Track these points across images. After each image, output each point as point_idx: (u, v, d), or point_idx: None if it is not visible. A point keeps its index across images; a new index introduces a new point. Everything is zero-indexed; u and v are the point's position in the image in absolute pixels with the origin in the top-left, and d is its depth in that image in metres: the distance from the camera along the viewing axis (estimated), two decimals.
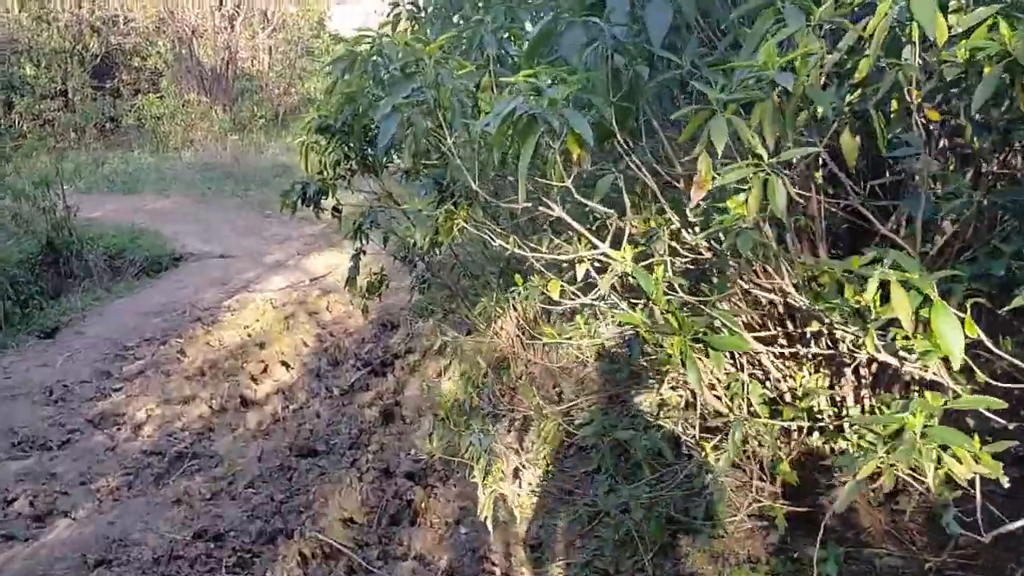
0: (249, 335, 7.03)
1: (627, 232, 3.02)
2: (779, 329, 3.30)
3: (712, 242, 2.77)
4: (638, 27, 2.83)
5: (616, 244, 3.02)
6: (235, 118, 17.35)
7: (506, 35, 3.97)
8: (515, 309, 5.53)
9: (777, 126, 2.30)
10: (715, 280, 3.08)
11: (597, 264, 3.24)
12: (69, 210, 10.27)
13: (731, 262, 2.71)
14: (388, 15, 5.28)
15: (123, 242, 10.17)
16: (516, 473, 4.35)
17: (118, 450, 5.09)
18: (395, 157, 5.24)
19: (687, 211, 2.90)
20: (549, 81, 2.64)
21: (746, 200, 2.36)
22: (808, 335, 3.18)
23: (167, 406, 5.69)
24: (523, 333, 5.62)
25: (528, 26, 4.04)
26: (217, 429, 5.39)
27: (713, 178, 2.34)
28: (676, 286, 2.88)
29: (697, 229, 2.88)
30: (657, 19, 2.75)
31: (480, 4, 4.69)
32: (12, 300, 8.56)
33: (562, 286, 3.44)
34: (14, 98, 17.72)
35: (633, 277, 2.78)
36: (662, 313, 3.00)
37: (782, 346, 3.27)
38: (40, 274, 9.93)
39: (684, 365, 2.86)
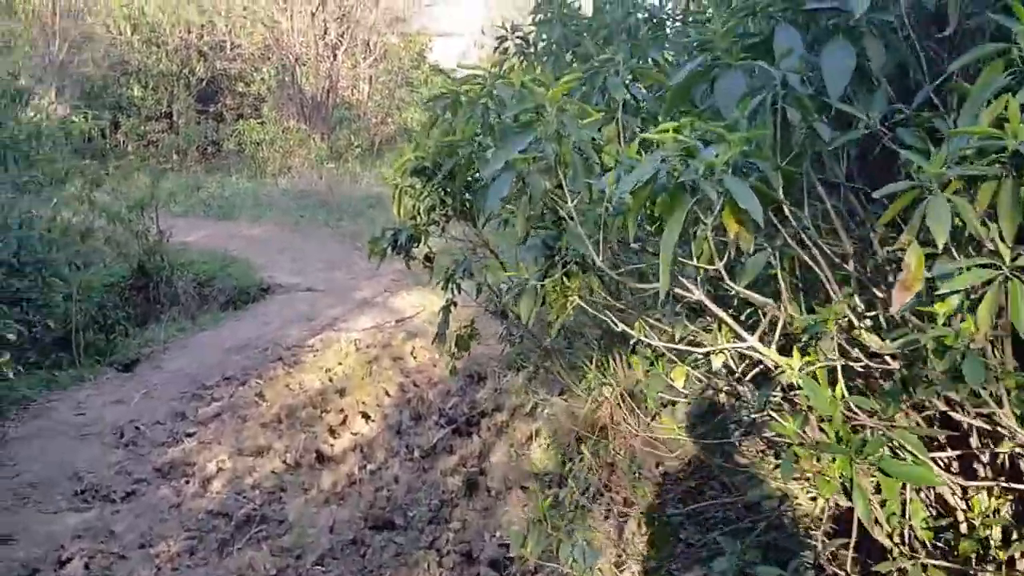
0: (330, 379, 6.64)
1: (780, 325, 2.45)
2: (957, 451, 2.67)
3: (906, 350, 2.16)
4: (810, 73, 2.28)
5: (765, 337, 2.46)
6: (332, 146, 17.28)
7: (630, 77, 3.44)
8: (617, 375, 4.99)
9: (1018, 213, 1.71)
10: (886, 387, 2.48)
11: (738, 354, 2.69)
12: (162, 235, 10.16)
13: (936, 383, 2.09)
14: (496, 50, 4.83)
15: (213, 270, 9.99)
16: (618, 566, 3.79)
17: (183, 508, 4.70)
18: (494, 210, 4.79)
19: (865, 303, 2.32)
20: (702, 139, 2.11)
21: (970, 308, 1.77)
22: (996, 458, 2.56)
23: (239, 458, 5.31)
24: (624, 402, 5.07)
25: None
26: (289, 489, 4.96)
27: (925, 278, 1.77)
28: (846, 397, 2.29)
29: (882, 331, 2.28)
30: (836, 64, 2.19)
31: (602, 40, 4.20)
32: (98, 325, 8.41)
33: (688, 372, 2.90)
34: (121, 118, 18.09)
35: (799, 387, 2.21)
36: (818, 423, 2.43)
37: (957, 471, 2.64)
38: (129, 299, 9.81)
39: (848, 493, 2.28)
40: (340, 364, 6.91)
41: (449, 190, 4.65)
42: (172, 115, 19.26)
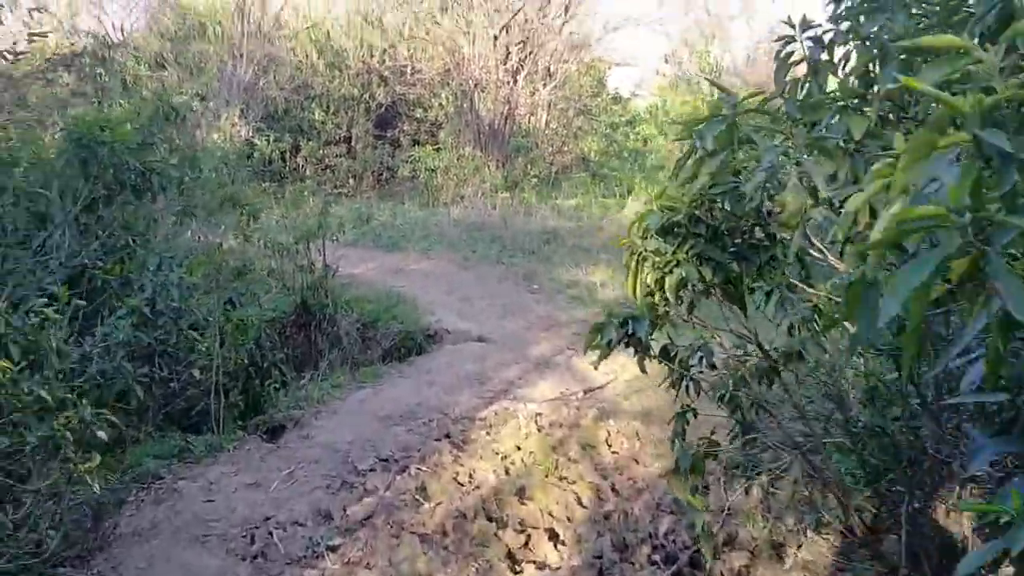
0: (507, 470, 5.23)
1: None
2: None
3: None
4: None
5: None
6: (507, 175, 16.15)
7: None
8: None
9: None
10: None
11: None
12: (328, 270, 9.16)
13: None
14: (778, 57, 3.25)
15: (378, 311, 8.88)
16: None
17: None
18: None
19: None
20: None
21: None
22: None
23: None
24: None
25: None
26: None
27: None
28: None
29: None
30: None
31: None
32: (255, 367, 7.42)
33: None
34: (301, 141, 17.64)
35: None
36: None
37: None
38: (289, 337, 8.84)
39: None
40: (519, 449, 5.50)
41: (710, 257, 3.15)
42: (351, 139, 18.74)
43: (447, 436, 5.66)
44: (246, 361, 7.08)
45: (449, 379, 6.87)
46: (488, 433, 5.75)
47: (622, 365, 6.64)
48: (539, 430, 5.77)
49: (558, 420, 5.93)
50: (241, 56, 17.02)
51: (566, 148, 18.56)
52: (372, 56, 18.79)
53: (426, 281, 10.41)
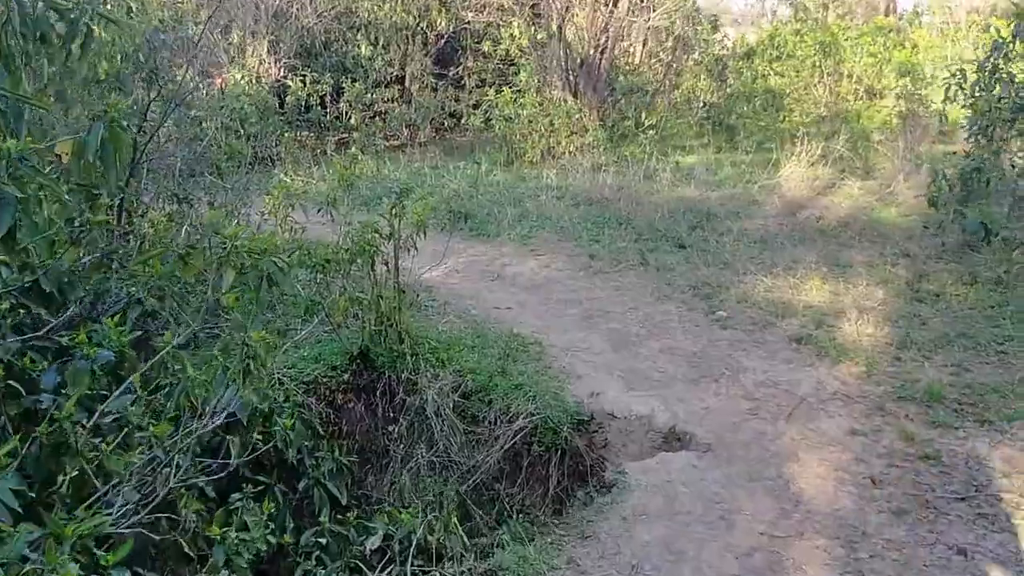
0: None
1: None
2: None
3: None
4: None
5: None
6: (614, 127, 12.28)
7: None
8: None
9: None
10: None
11: None
12: (403, 296, 5.51)
13: None
14: None
15: (485, 371, 5.22)
16: None
17: None
18: None
19: None
20: None
21: None
22: None
23: None
24: None
25: None
26: None
27: None
28: None
29: None
30: None
31: None
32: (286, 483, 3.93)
33: None
34: (344, 83, 13.81)
35: None
36: None
37: None
38: (338, 414, 5.25)
39: None
40: None
41: None
42: (404, 79, 14.89)
43: None
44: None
45: (658, 556, 3.23)
46: None
47: None
48: None
49: None
50: None
51: (675, 90, 14.56)
52: None
53: (542, 298, 6.71)
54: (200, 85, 13.03)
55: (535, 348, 5.61)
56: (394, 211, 5.32)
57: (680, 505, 3.82)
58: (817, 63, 14.03)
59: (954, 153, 6.67)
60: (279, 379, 5.04)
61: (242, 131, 11.00)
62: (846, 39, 14.11)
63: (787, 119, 13.28)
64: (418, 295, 5.86)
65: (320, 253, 5.28)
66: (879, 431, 4.37)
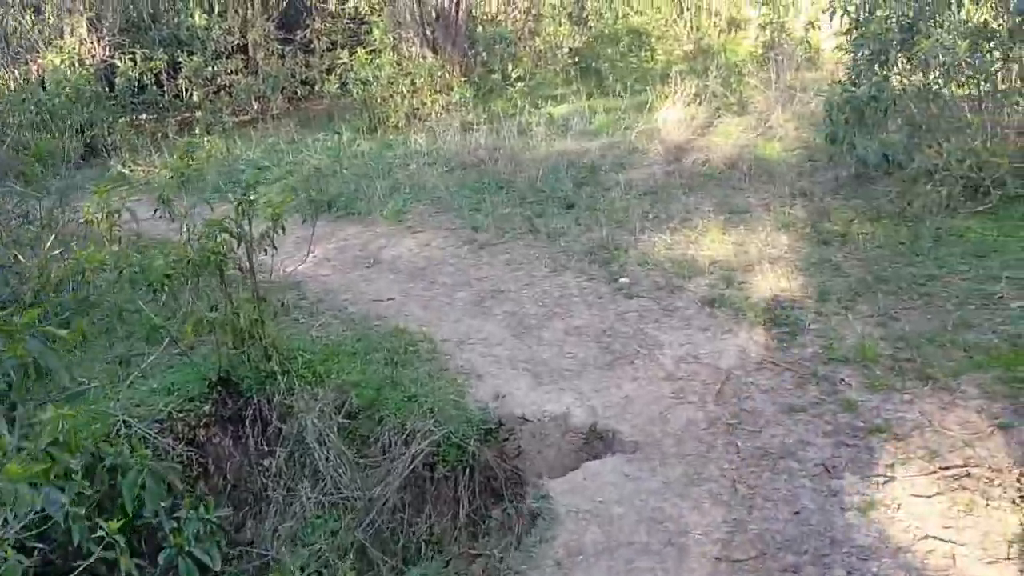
0: None
1: None
2: None
3: None
4: None
5: None
6: (480, 82, 11.49)
7: None
8: None
9: None
10: None
11: None
12: (267, 306, 4.68)
13: None
14: None
15: (368, 387, 4.48)
16: None
17: None
18: None
19: None
20: None
21: None
22: None
23: None
24: None
25: None
26: None
27: None
28: None
29: None
30: None
31: None
32: None
33: None
34: (181, 57, 12.44)
35: None
36: None
37: None
38: (199, 453, 4.40)
39: None
40: None
41: None
42: (247, 48, 13.60)
43: None
44: None
45: None
46: None
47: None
48: None
49: None
50: None
51: (533, 36, 13.85)
52: None
53: (426, 284, 5.97)
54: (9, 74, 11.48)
55: (426, 346, 4.90)
56: (241, 208, 4.43)
57: (620, 533, 3.23)
58: None
59: (839, 82, 6.26)
60: (124, 422, 4.18)
61: (60, 124, 9.65)
62: None
63: (653, 58, 12.84)
64: (282, 302, 5.00)
65: (157, 267, 4.36)
66: (818, 404, 3.91)
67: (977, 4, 5.47)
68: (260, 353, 4.64)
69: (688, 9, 13.48)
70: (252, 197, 4.50)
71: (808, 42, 11.53)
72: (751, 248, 5.77)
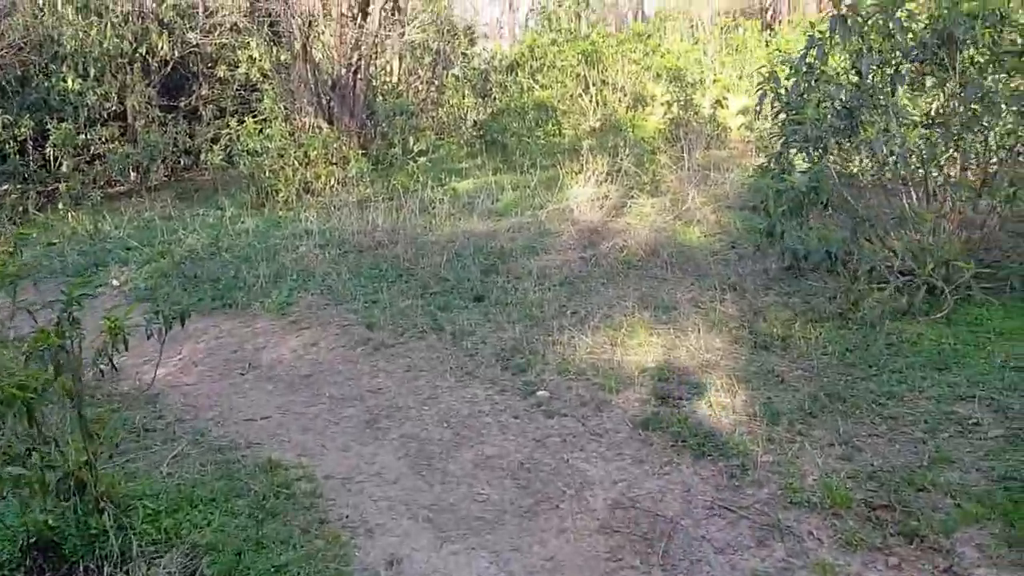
0: None
1: None
2: None
3: None
4: None
5: None
6: (377, 154, 10.70)
7: None
8: None
9: None
10: None
11: None
12: (92, 440, 3.65)
13: None
14: None
15: (226, 552, 3.47)
16: None
17: None
18: None
19: None
20: None
21: None
22: None
23: None
24: None
25: None
26: None
27: None
28: None
29: None
30: None
31: None
32: None
33: None
34: (50, 124, 11.23)
35: None
36: None
37: None
38: None
39: None
40: None
41: None
42: (126, 115, 12.46)
43: None
44: None
45: None
46: None
47: None
48: None
49: None
50: None
51: (436, 107, 13.23)
52: None
53: (310, 397, 5.02)
54: None
55: (304, 486, 3.95)
56: (64, 329, 3.43)
57: None
58: (581, 73, 13.26)
59: (768, 168, 5.73)
60: None
61: None
62: (607, 47, 13.44)
63: (560, 133, 12.37)
64: (126, 424, 3.98)
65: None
66: (787, 570, 3.14)
67: (914, 91, 5.04)
68: (91, 504, 3.60)
69: (593, 84, 13.14)
70: (78, 309, 3.50)
71: (716, 120, 11.26)
72: (682, 352, 5.07)
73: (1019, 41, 4.68)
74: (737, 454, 3.91)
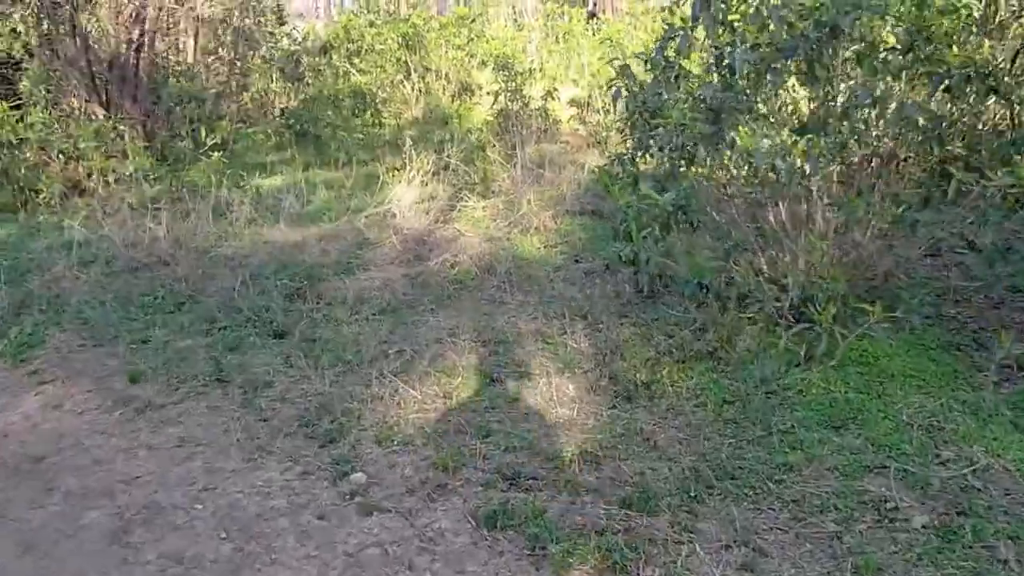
0: None
1: None
2: None
3: None
4: None
5: None
6: (163, 147, 9.03)
7: None
8: None
9: None
10: None
11: None
12: None
13: None
14: None
15: None
16: None
17: None
18: None
19: None
20: None
21: None
22: None
23: None
24: None
25: None
26: None
27: None
28: None
29: None
30: None
31: None
32: None
33: None
34: None
35: None
36: None
37: None
38: None
39: None
40: None
41: None
42: None
43: None
44: None
45: None
46: None
47: None
48: None
49: None
50: None
51: (240, 92, 11.59)
52: None
53: (40, 490, 3.60)
54: None
55: None
56: None
57: None
58: (402, 58, 12.05)
59: (615, 173, 4.83)
60: None
61: None
62: (428, 30, 12.28)
63: (378, 122, 11.12)
64: None
65: None
66: None
67: (793, 91, 4.29)
68: None
69: (415, 70, 11.97)
70: None
71: (546, 112, 10.41)
72: (530, 403, 4.09)
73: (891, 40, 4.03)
74: (613, 567, 2.95)
